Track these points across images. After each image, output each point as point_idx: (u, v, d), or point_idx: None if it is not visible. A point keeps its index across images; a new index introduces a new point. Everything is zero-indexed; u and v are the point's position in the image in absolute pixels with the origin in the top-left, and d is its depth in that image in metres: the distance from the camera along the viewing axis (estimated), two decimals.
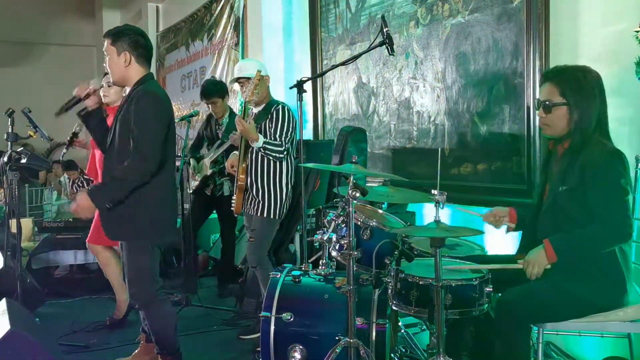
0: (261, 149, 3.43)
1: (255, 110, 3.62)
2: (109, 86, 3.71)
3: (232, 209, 3.65)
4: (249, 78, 3.51)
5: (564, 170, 2.36)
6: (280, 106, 3.53)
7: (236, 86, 5.98)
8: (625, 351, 2.56)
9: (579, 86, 2.35)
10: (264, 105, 3.59)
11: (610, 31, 2.95)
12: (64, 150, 3.53)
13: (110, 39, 2.78)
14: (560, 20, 3.18)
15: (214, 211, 4.94)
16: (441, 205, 2.16)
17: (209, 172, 4.65)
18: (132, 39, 2.78)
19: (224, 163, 4.54)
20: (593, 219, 2.24)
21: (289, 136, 3.52)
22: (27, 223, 5.65)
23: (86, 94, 2.84)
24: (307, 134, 5.39)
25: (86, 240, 3.93)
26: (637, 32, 2.59)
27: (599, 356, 2.81)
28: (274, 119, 3.49)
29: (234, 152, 3.75)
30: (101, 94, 3.38)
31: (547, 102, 2.39)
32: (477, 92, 3.70)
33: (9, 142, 3.34)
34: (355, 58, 3.07)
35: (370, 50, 2.97)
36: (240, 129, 3.40)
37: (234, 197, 3.61)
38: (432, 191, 2.17)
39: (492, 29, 3.55)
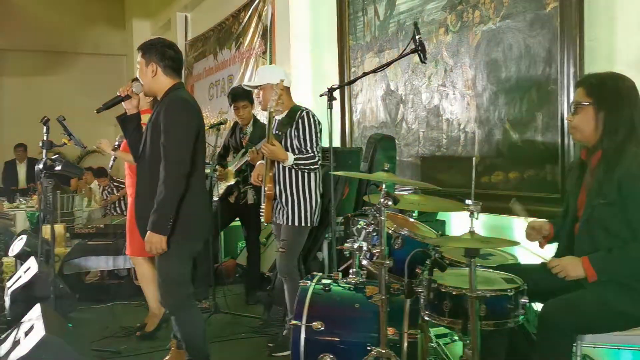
0: (293, 166, 3.41)
1: (278, 117, 3.56)
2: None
3: (260, 217, 3.64)
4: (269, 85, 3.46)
5: (599, 183, 2.29)
6: (304, 113, 3.46)
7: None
8: None
9: (607, 89, 2.32)
10: (286, 112, 3.54)
11: None
12: (111, 162, 3.55)
13: (141, 51, 2.89)
14: (595, 26, 3.13)
15: (237, 218, 4.96)
16: (475, 216, 2.12)
17: (233, 181, 4.67)
18: (159, 50, 2.86)
19: (247, 171, 4.55)
20: (635, 235, 2.18)
21: (319, 143, 3.49)
22: (59, 229, 5.74)
23: (126, 94, 2.90)
24: (335, 141, 5.37)
25: (126, 252, 3.98)
26: None
27: None
28: (300, 128, 3.44)
29: (261, 161, 3.74)
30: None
31: (573, 104, 2.37)
32: (508, 100, 3.65)
33: (44, 150, 3.39)
34: (387, 65, 3.06)
35: (402, 57, 2.95)
36: (268, 153, 3.38)
37: (262, 207, 3.59)
38: (467, 201, 2.13)
39: (525, 36, 3.50)
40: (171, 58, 2.86)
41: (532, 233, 2.63)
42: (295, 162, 3.39)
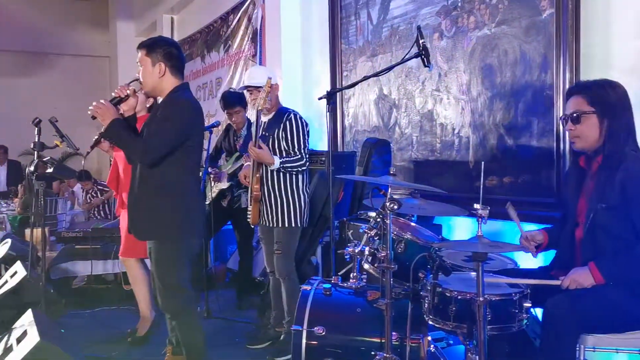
0: (281, 169, 3.41)
1: (265, 119, 3.57)
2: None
3: (248, 220, 3.63)
4: (257, 87, 3.49)
5: (602, 187, 2.32)
6: (292, 115, 3.48)
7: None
8: None
9: (607, 96, 2.37)
10: (273, 113, 3.55)
11: None
12: (88, 150, 3.50)
13: (145, 49, 2.81)
14: (592, 32, 3.16)
15: (228, 222, 4.91)
16: (484, 220, 2.12)
17: (227, 185, 4.63)
18: (166, 50, 2.80)
19: None
20: (638, 237, 2.20)
21: (307, 145, 3.50)
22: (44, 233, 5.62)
23: (126, 94, 2.85)
24: (325, 144, 5.37)
25: (119, 254, 3.92)
26: None
27: None
28: (288, 129, 3.45)
29: (247, 163, 3.73)
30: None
31: (575, 113, 2.39)
32: (503, 105, 3.67)
33: (36, 152, 3.32)
34: (389, 69, 3.05)
35: (406, 61, 2.95)
36: (254, 156, 3.38)
37: (249, 209, 3.58)
38: (475, 205, 2.13)
39: (520, 41, 3.53)
40: (177, 58, 2.83)
41: (525, 243, 2.65)
42: (282, 165, 3.40)
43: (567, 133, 2.70)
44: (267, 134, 3.50)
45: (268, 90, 3.34)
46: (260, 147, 3.37)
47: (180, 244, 2.79)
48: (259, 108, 3.40)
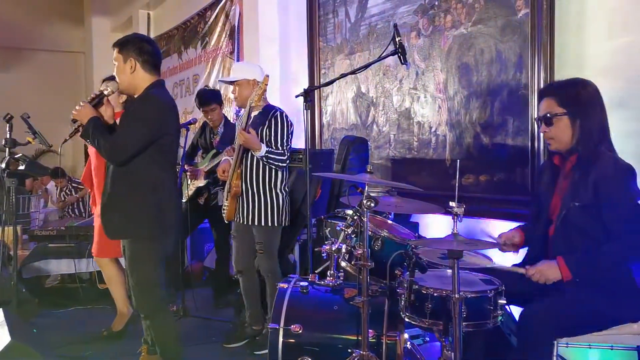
0: (263, 158, 3.39)
1: (252, 114, 3.54)
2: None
3: (223, 214, 3.61)
4: (245, 81, 3.49)
5: (575, 186, 2.35)
6: (278, 113, 3.48)
7: (231, 93, 5.99)
8: None
9: (578, 96, 2.38)
10: (260, 110, 3.54)
11: (616, 44, 2.97)
12: (67, 138, 3.44)
13: (117, 47, 2.79)
14: (566, 33, 3.20)
15: (205, 220, 4.88)
16: (459, 218, 2.13)
17: (203, 182, 4.59)
18: (137, 45, 2.77)
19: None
20: (608, 236, 2.23)
21: (289, 144, 3.50)
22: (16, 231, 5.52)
23: (100, 92, 2.82)
24: (303, 142, 5.35)
25: (92, 253, 3.87)
26: None
27: None
28: (273, 127, 3.45)
29: (226, 157, 3.70)
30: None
31: (547, 115, 2.40)
32: (479, 104, 3.71)
33: (7, 148, 3.26)
34: (366, 66, 3.05)
35: (383, 59, 2.96)
36: (242, 140, 3.36)
37: (225, 205, 3.56)
38: (450, 203, 2.15)
39: (496, 41, 3.56)
40: (149, 53, 2.78)
41: (504, 244, 2.67)
42: (267, 154, 3.38)
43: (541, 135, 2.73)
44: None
45: (264, 87, 3.36)
46: (249, 132, 3.36)
47: (155, 243, 2.76)
48: (253, 105, 3.39)
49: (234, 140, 4.12)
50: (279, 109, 3.55)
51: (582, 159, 2.35)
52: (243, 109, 3.62)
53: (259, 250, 3.51)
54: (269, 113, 3.48)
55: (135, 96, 2.81)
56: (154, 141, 2.71)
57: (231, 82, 3.59)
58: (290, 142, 3.53)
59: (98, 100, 2.79)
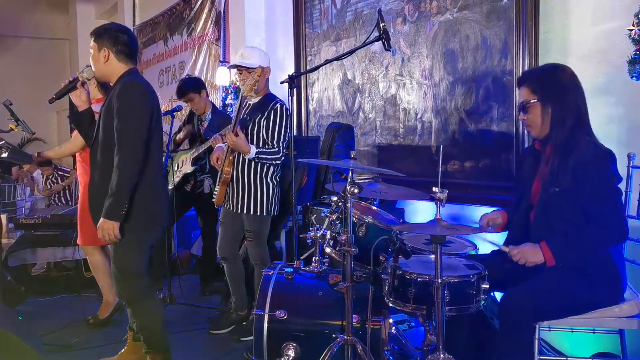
0: (255, 159, 3.37)
1: (251, 101, 3.51)
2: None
3: (213, 200, 3.59)
4: (248, 68, 3.39)
5: (555, 171, 2.36)
6: (278, 105, 3.41)
7: (217, 80, 5.96)
8: (614, 347, 2.60)
9: (549, 82, 2.39)
10: (260, 98, 3.49)
11: (600, 30, 2.98)
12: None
13: (93, 36, 2.82)
14: (550, 19, 3.21)
15: (192, 208, 4.87)
16: (442, 204, 2.14)
17: (190, 169, 4.57)
18: (112, 35, 2.79)
19: (205, 159, 4.48)
20: (588, 220, 2.25)
21: (286, 139, 3.43)
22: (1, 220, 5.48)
23: (72, 80, 2.85)
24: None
25: (78, 242, 3.85)
26: (631, 30, 2.61)
27: (589, 352, 2.85)
28: (271, 119, 3.38)
29: (220, 144, 3.67)
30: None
31: (523, 102, 2.42)
32: (465, 90, 3.71)
33: None
34: (350, 52, 3.04)
35: (366, 45, 2.95)
36: (231, 143, 3.33)
37: (215, 190, 3.54)
38: (434, 189, 2.15)
39: (481, 27, 3.56)
40: (124, 43, 2.80)
41: (485, 224, 2.69)
42: (257, 155, 3.35)
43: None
44: (248, 118, 3.44)
45: (257, 78, 3.28)
46: (237, 135, 3.31)
47: (139, 232, 2.75)
48: (244, 94, 3.34)
49: (221, 128, 4.11)
50: (280, 100, 3.47)
51: (558, 145, 2.35)
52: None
53: (248, 238, 3.50)
54: (269, 103, 3.42)
55: (111, 84, 2.81)
56: (151, 124, 2.72)
57: (236, 67, 3.48)
58: (287, 137, 3.43)
59: (72, 86, 2.84)
